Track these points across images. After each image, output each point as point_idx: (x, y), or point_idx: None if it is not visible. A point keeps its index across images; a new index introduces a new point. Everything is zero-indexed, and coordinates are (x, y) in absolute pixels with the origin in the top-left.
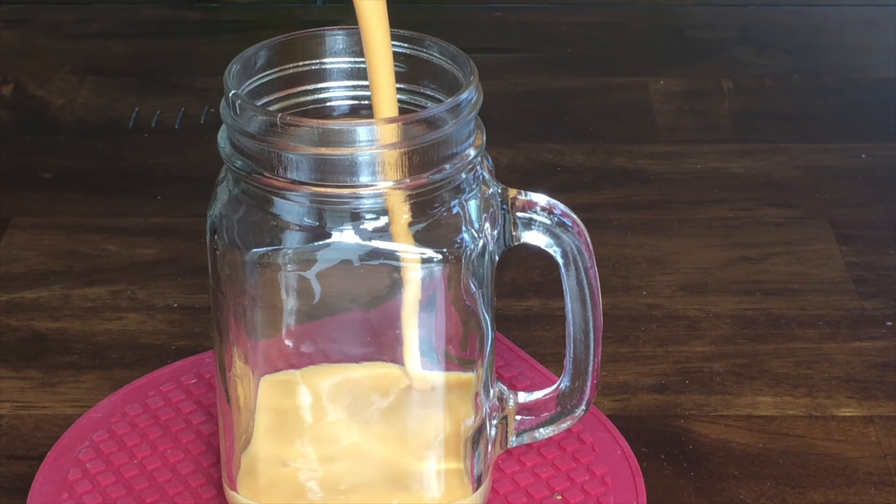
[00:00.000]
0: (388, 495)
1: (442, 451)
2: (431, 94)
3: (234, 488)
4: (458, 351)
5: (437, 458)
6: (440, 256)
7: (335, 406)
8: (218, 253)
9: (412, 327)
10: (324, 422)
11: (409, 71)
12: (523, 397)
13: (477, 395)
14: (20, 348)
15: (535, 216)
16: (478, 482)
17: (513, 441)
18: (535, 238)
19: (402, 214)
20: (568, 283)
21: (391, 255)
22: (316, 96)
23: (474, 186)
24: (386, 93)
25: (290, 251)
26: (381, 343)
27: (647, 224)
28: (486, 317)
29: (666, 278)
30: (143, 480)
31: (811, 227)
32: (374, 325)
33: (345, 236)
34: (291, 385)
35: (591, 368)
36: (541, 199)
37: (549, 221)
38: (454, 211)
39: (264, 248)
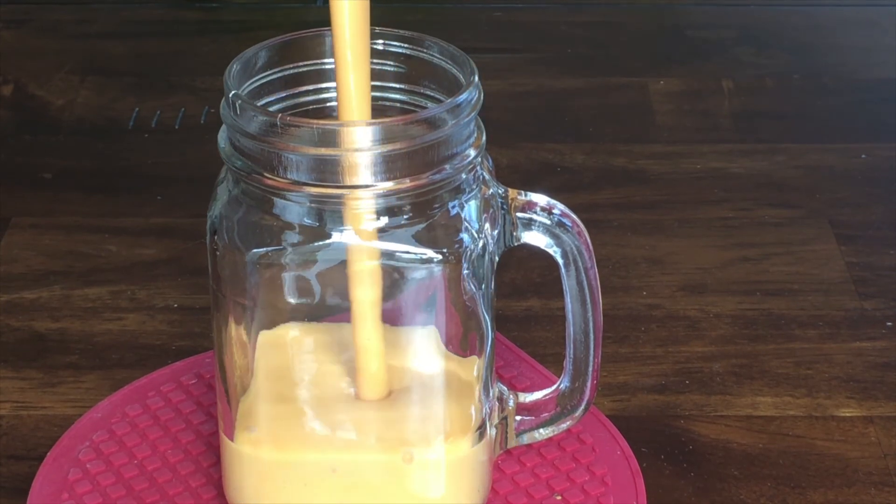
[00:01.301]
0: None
1: (443, 449)
2: (431, 94)
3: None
4: (458, 351)
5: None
6: (440, 257)
7: (335, 388)
8: (218, 253)
9: (371, 329)
10: (322, 403)
11: (409, 71)
12: (523, 397)
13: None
14: (20, 348)
15: (534, 216)
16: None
17: (513, 441)
18: (535, 238)
19: (363, 218)
20: (568, 284)
21: (391, 256)
22: (316, 96)
23: (474, 187)
24: (359, 97)
25: (290, 251)
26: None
27: (647, 224)
28: (486, 317)
29: (666, 278)
30: (144, 481)
31: (811, 227)
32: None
33: (345, 236)
34: (288, 355)
35: (591, 369)
36: (541, 199)
37: (548, 221)
38: (454, 211)
39: (264, 249)
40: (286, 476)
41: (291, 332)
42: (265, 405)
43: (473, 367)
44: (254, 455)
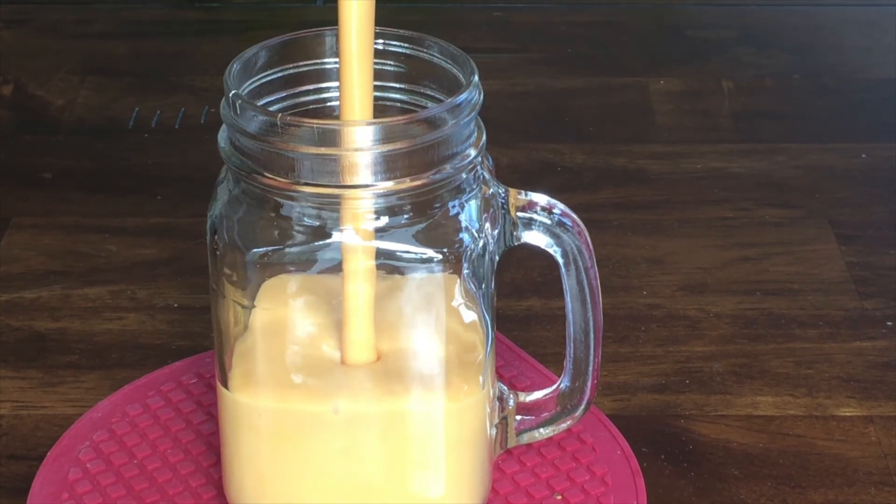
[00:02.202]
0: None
1: (442, 452)
2: (432, 94)
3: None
4: (458, 351)
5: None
6: (440, 256)
7: (323, 350)
8: (218, 253)
9: (365, 324)
10: (311, 363)
11: (409, 71)
12: (523, 397)
13: None
14: (20, 348)
15: (535, 216)
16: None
17: (513, 441)
18: (535, 238)
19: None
20: (568, 283)
21: (391, 255)
22: (316, 96)
23: (474, 186)
24: (361, 94)
25: (290, 251)
26: (382, 340)
27: (647, 224)
28: (486, 317)
29: (666, 278)
30: (144, 480)
31: (811, 227)
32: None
33: (345, 236)
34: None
35: (591, 368)
36: (541, 198)
37: (549, 221)
38: (454, 211)
39: (264, 248)
40: (282, 426)
41: (289, 286)
42: (260, 359)
43: (471, 326)
44: (252, 404)
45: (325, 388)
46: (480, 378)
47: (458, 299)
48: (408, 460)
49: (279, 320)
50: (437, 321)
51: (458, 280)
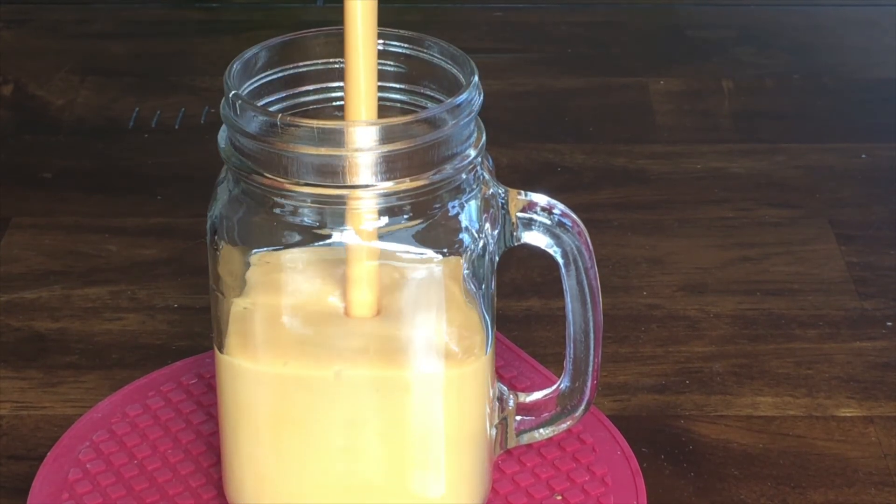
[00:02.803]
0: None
1: (442, 451)
2: (432, 94)
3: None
4: (460, 325)
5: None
6: (440, 257)
7: (324, 306)
8: (218, 253)
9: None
10: (312, 320)
11: (410, 71)
12: (523, 397)
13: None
14: (20, 348)
15: (535, 216)
16: None
17: (513, 441)
18: (535, 238)
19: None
20: (568, 283)
21: (391, 255)
22: (316, 96)
23: (474, 187)
24: (367, 95)
25: (290, 251)
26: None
27: (647, 224)
28: (486, 317)
29: (666, 278)
30: (144, 481)
31: (811, 227)
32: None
33: (345, 236)
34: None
35: (591, 368)
36: (541, 199)
37: (549, 221)
38: (454, 211)
39: (264, 248)
40: (281, 398)
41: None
42: (258, 321)
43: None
44: (250, 369)
45: (324, 350)
46: (482, 350)
47: (459, 284)
48: (408, 452)
49: (275, 282)
50: (437, 292)
51: (460, 270)
